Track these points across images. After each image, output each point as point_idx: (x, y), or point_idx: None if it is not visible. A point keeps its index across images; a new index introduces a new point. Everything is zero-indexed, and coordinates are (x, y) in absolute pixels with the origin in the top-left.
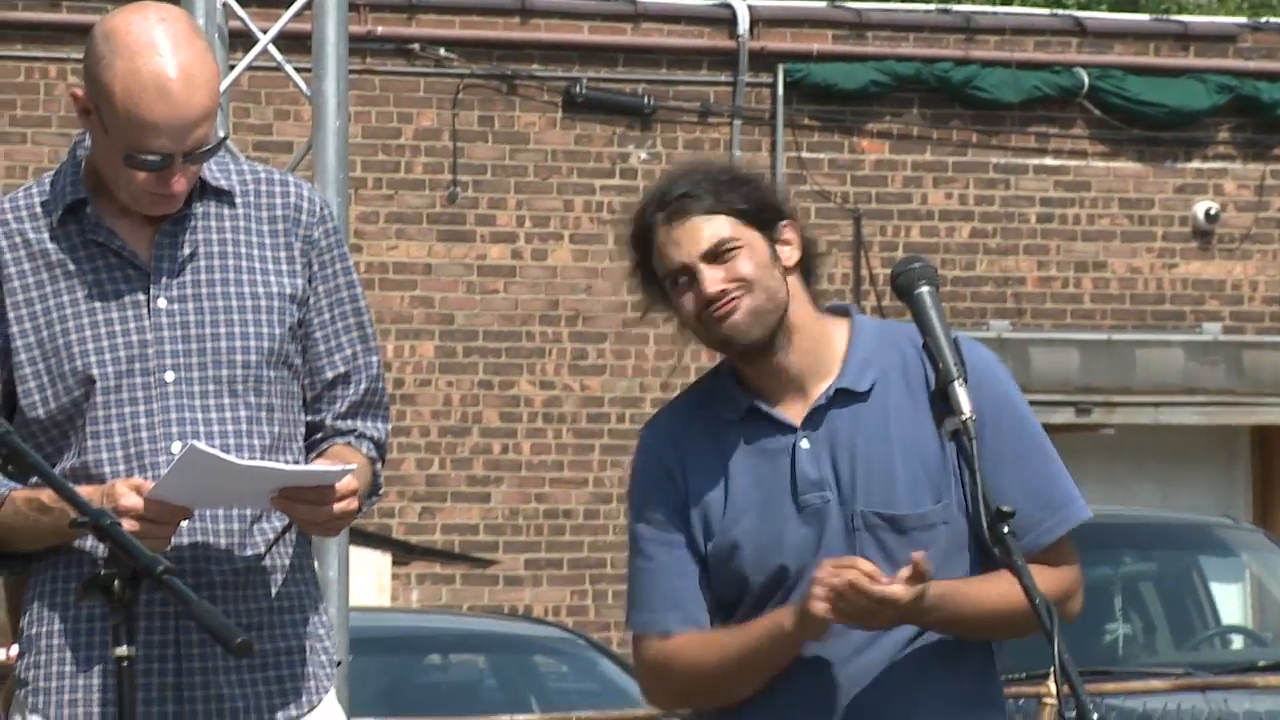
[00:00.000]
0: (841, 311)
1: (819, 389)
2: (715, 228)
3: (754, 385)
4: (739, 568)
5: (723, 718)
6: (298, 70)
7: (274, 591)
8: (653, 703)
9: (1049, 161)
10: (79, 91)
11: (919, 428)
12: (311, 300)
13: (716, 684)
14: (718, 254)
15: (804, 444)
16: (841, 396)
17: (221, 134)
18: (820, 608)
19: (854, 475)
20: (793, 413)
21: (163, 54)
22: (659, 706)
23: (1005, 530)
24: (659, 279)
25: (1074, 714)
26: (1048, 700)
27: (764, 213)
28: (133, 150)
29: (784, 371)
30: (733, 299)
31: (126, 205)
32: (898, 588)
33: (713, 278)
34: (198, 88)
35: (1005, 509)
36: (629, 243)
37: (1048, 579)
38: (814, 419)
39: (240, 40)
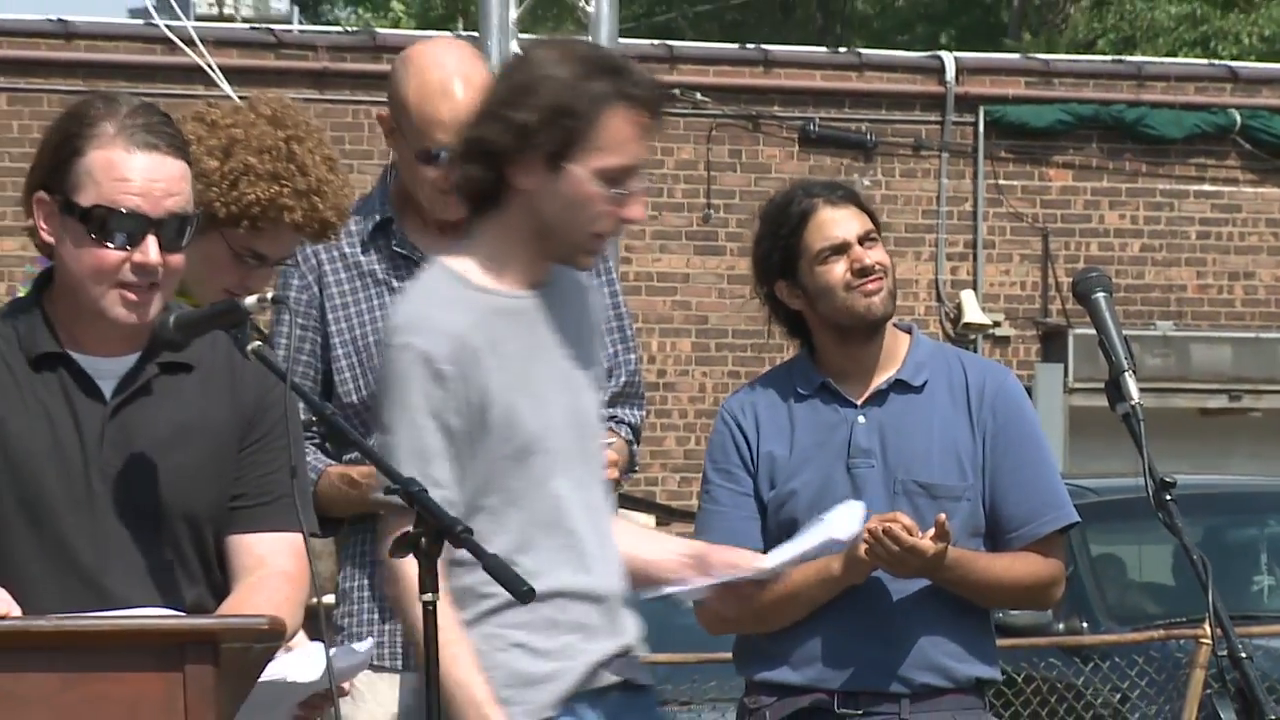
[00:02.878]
0: (906, 329)
1: (882, 378)
2: (867, 219)
3: (829, 367)
4: (792, 512)
5: (764, 639)
6: None
7: None
8: (706, 628)
9: (1206, 188)
10: (384, 113)
11: (957, 425)
12: None
13: (767, 614)
14: (864, 239)
15: (861, 419)
16: (899, 386)
17: None
18: (862, 549)
19: (899, 450)
20: (856, 393)
21: (448, 67)
22: (711, 632)
23: (1168, 499)
24: (795, 258)
25: (1225, 652)
26: (1204, 641)
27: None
28: (426, 146)
29: (863, 358)
30: (879, 277)
31: (426, 208)
32: (925, 542)
33: (869, 253)
34: (481, 87)
35: (1168, 479)
36: (771, 218)
37: (1037, 566)
38: (873, 400)
39: None
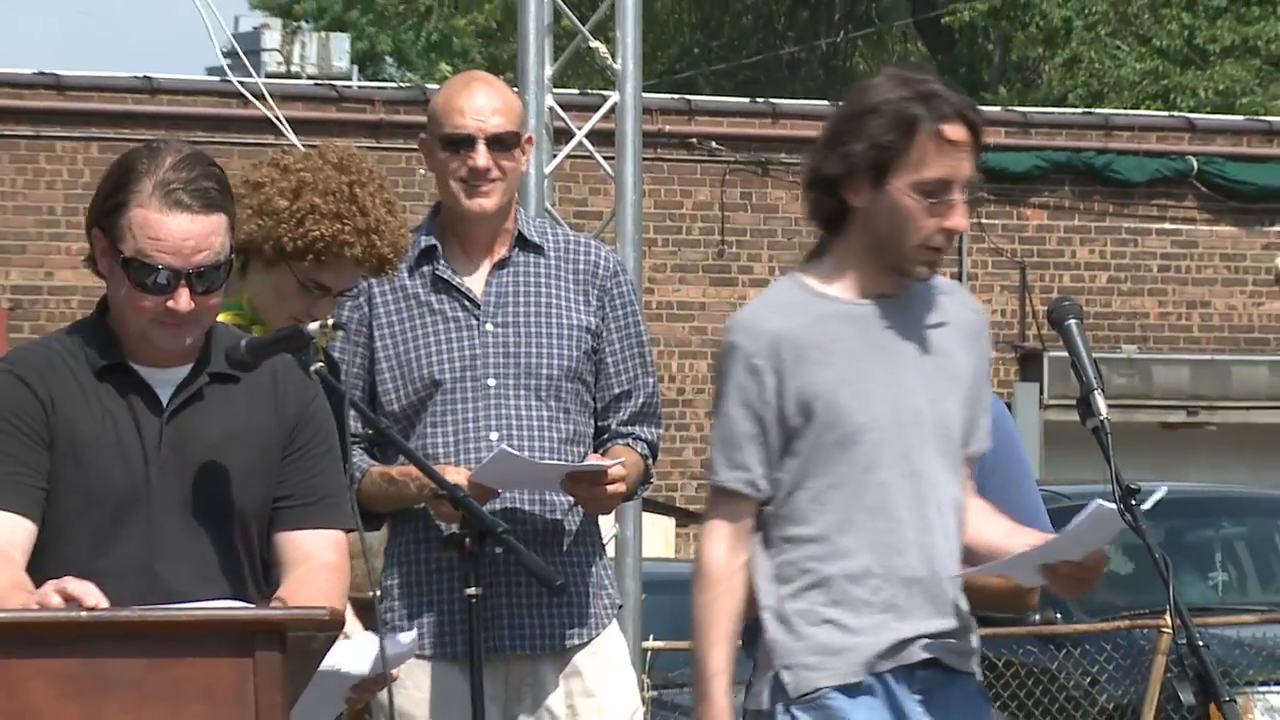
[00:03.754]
0: None
1: None
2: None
3: None
4: None
5: None
6: (605, 158)
7: (565, 548)
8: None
9: (1166, 226)
10: (424, 137)
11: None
12: (604, 334)
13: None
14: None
15: None
16: None
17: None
18: None
19: None
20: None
21: (469, 74)
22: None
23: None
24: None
25: (1184, 640)
26: (1165, 630)
27: None
28: (447, 131)
29: None
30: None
31: (457, 200)
32: None
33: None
34: (496, 94)
35: (1133, 486)
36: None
37: None
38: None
39: (562, 135)
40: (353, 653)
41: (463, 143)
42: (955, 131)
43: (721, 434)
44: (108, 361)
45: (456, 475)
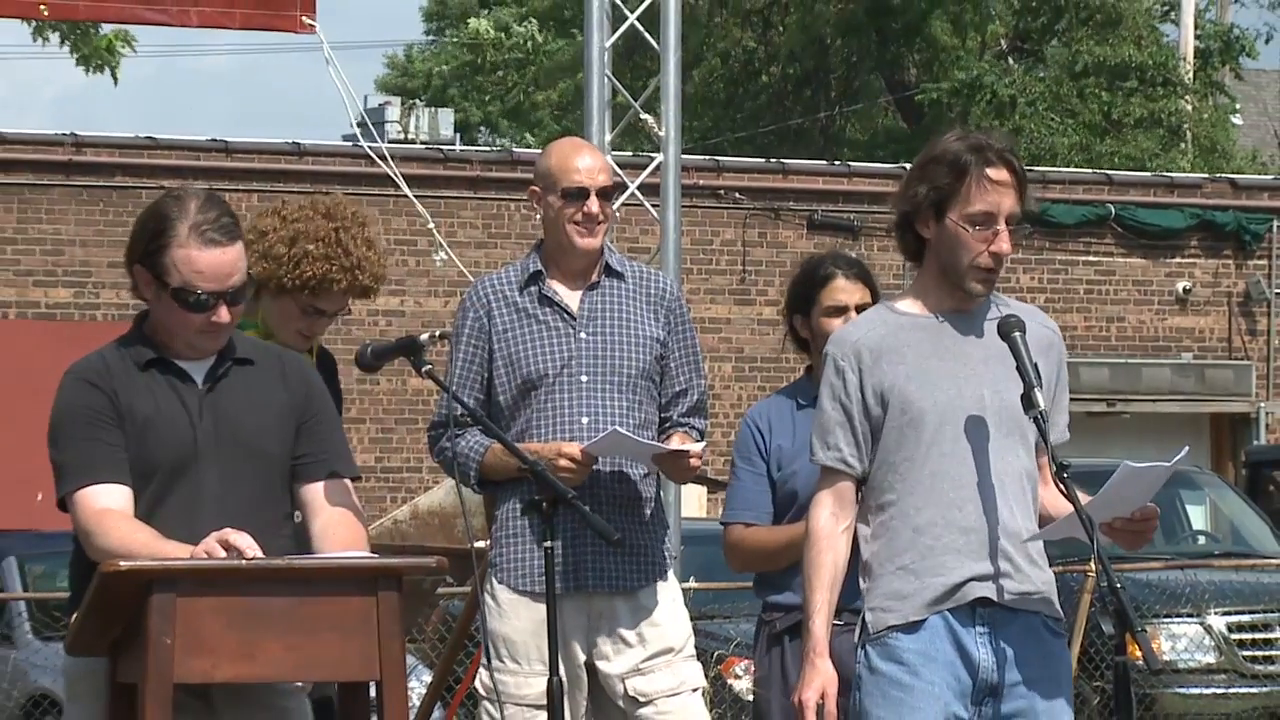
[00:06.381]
0: None
1: None
2: (868, 293)
3: None
4: (794, 487)
5: (775, 574)
6: (651, 205)
7: (636, 508)
8: (732, 567)
9: (1091, 258)
10: (534, 188)
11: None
12: (668, 343)
13: (772, 556)
14: (860, 308)
15: None
16: None
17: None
18: None
19: None
20: None
21: (574, 140)
22: (735, 570)
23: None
24: (810, 305)
25: (1105, 583)
26: (1090, 574)
27: None
28: (566, 185)
29: None
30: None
31: (572, 241)
32: None
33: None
34: (598, 157)
35: (1064, 462)
36: (806, 272)
37: None
38: None
39: (618, 188)
40: None
41: (579, 194)
42: (998, 173)
43: (818, 423)
44: (151, 357)
45: (571, 448)
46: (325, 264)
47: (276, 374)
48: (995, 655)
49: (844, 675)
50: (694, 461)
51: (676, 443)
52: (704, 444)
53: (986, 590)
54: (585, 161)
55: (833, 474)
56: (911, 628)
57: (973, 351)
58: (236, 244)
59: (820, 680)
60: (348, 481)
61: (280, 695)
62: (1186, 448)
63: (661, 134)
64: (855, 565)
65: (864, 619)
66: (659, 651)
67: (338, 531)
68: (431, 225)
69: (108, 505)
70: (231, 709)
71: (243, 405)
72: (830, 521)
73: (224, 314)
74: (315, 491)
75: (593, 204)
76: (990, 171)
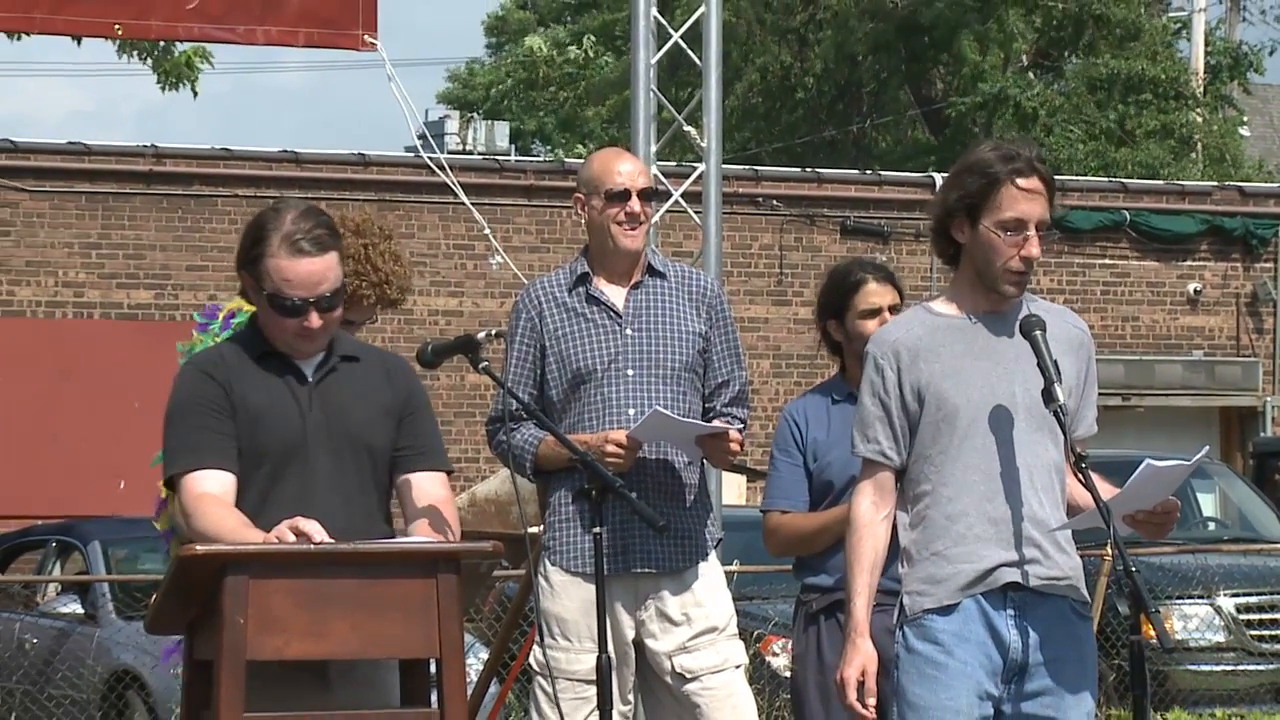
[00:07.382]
0: None
1: None
2: (897, 295)
3: (856, 383)
4: (829, 477)
5: (813, 557)
6: (694, 212)
7: (680, 494)
8: (770, 551)
9: (1107, 261)
10: (579, 195)
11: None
12: (711, 339)
13: (807, 540)
14: (893, 309)
15: None
16: None
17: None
18: None
19: None
20: None
21: (615, 149)
22: (773, 554)
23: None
24: (844, 310)
25: (1121, 566)
26: (1106, 558)
27: None
28: (609, 188)
29: None
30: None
31: (616, 241)
32: None
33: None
34: (637, 162)
35: (1083, 453)
36: (836, 278)
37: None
38: None
39: (663, 196)
40: None
41: (621, 196)
42: (1029, 182)
43: (858, 417)
44: (265, 350)
45: (617, 434)
46: (355, 279)
47: (381, 372)
48: (1024, 636)
49: (880, 654)
50: (734, 445)
51: (719, 423)
52: (744, 429)
53: (1015, 575)
54: (625, 166)
55: (873, 465)
56: (946, 610)
57: (1005, 350)
58: (327, 254)
59: (861, 659)
60: (442, 474)
61: (387, 670)
62: (1207, 447)
63: (703, 145)
64: (895, 549)
65: (901, 602)
66: (704, 630)
67: (428, 520)
68: (488, 231)
69: (207, 490)
70: (345, 686)
71: (349, 399)
72: (871, 510)
73: (314, 320)
74: (412, 481)
75: (634, 203)
76: (1021, 180)
